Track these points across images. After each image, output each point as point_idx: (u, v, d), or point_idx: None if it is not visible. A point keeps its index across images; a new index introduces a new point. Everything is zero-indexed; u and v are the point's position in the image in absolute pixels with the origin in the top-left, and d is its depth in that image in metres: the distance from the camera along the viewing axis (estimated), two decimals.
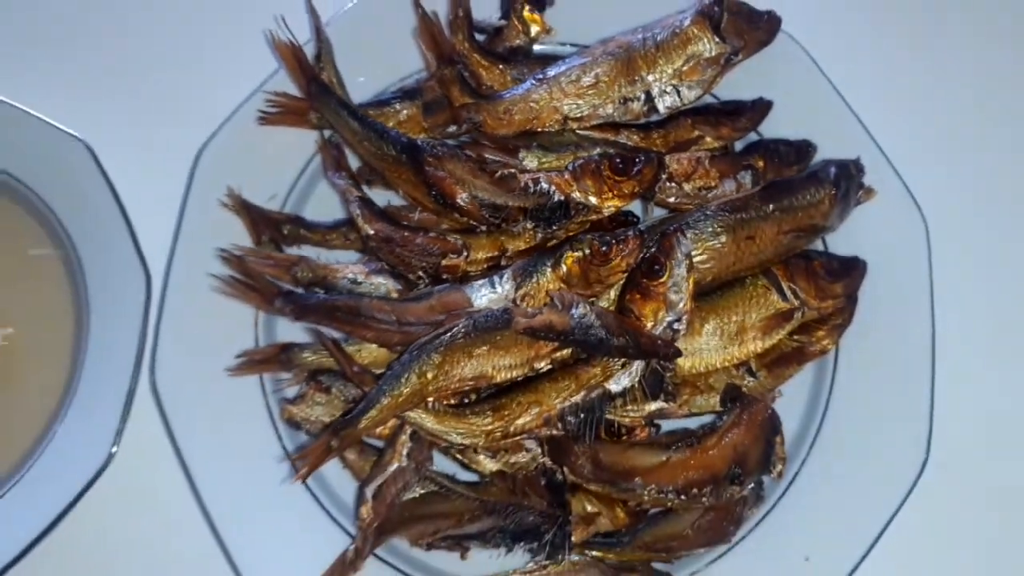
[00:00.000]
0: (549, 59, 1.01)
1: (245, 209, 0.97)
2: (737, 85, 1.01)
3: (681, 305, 0.85)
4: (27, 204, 1.02)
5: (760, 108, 1.00)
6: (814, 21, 1.05)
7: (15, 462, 0.97)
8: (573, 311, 0.81)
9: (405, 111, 1.01)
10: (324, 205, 1.02)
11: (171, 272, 0.96)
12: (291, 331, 0.97)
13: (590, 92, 0.95)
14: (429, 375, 0.83)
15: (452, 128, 1.01)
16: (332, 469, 0.93)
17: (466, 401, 0.88)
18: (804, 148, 1.00)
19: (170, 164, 1.03)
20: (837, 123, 1.01)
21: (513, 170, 0.89)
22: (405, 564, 0.92)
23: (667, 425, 0.93)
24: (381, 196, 1.00)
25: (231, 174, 0.99)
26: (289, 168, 1.01)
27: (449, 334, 0.83)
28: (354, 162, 1.01)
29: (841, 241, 0.99)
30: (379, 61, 1.04)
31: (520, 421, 0.84)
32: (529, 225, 0.90)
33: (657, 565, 0.91)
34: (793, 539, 0.92)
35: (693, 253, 0.87)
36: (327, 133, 1.00)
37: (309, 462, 0.83)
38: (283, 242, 0.99)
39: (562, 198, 0.89)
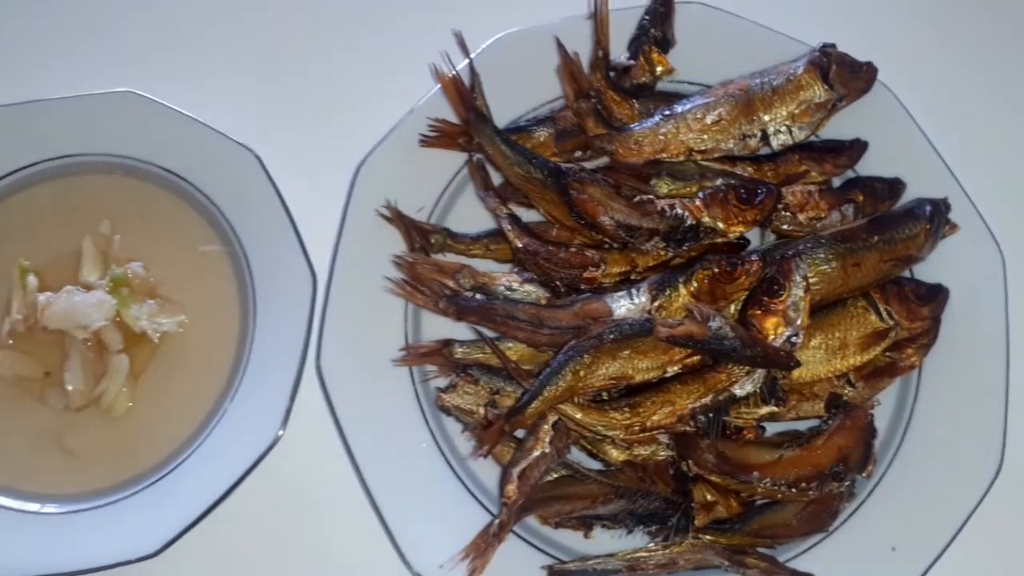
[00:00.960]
0: (670, 96, 1.14)
1: (400, 219, 1.09)
2: (836, 126, 1.13)
3: (799, 321, 0.97)
4: (199, 206, 1.13)
5: (857, 148, 1.12)
6: (905, 71, 1.16)
7: (185, 439, 1.07)
8: (711, 323, 0.93)
9: (538, 136, 1.13)
10: (462, 219, 1.14)
11: (334, 272, 1.07)
12: (436, 329, 1.09)
13: (714, 129, 1.07)
14: (581, 372, 0.94)
15: (578, 153, 1.14)
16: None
17: (603, 398, 1.00)
18: (896, 185, 1.11)
19: (331, 176, 1.14)
20: (923, 163, 1.12)
21: (651, 196, 1.01)
22: (536, 539, 1.04)
23: (772, 427, 1.05)
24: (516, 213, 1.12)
25: (386, 187, 1.11)
26: (436, 183, 1.13)
27: (599, 338, 0.95)
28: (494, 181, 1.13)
29: (926, 270, 1.11)
30: (513, 94, 1.15)
31: (655, 417, 0.96)
32: (660, 245, 1.02)
33: (761, 549, 1.02)
34: (881, 530, 1.03)
35: (808, 276, 0.99)
36: (474, 156, 1.12)
37: (488, 443, 0.95)
38: (431, 250, 1.10)
39: (694, 222, 1.01)
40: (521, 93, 1.15)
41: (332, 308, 1.07)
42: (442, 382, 1.06)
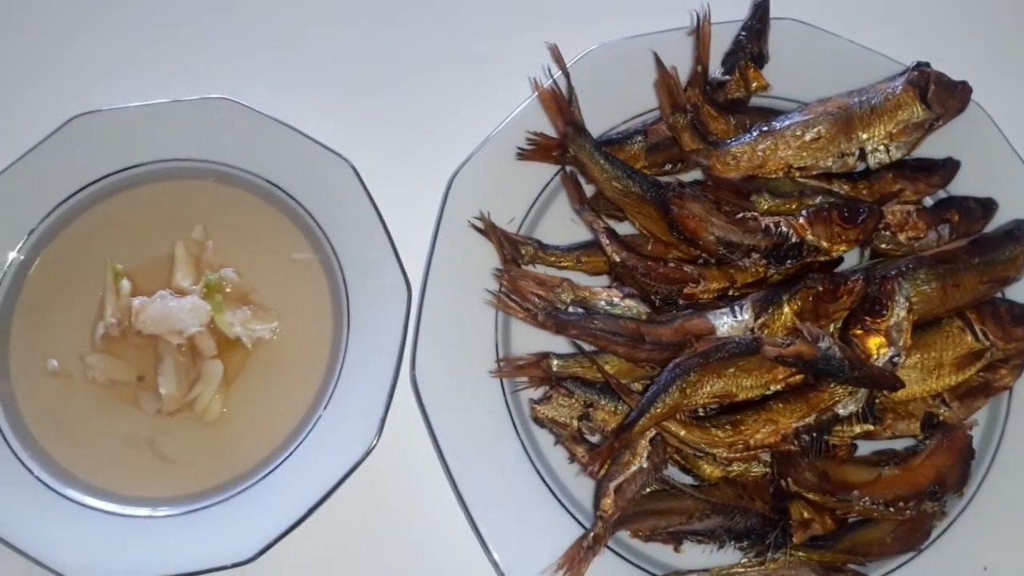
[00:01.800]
0: (763, 111, 1.14)
1: (493, 230, 1.09)
2: (928, 145, 1.13)
3: (901, 342, 0.97)
4: (292, 214, 1.14)
5: (950, 166, 1.12)
6: (996, 89, 1.16)
7: (278, 446, 1.07)
8: (820, 343, 0.93)
9: (629, 149, 1.14)
10: (551, 230, 1.14)
11: (428, 282, 1.08)
12: (525, 340, 1.09)
13: (812, 146, 1.07)
14: (687, 390, 0.95)
15: (668, 166, 1.14)
16: (565, 467, 1.07)
17: (701, 415, 1.00)
18: (989, 205, 1.11)
19: (425, 185, 1.15)
20: (1017, 182, 1.14)
21: (754, 214, 1.02)
22: (626, 552, 1.05)
23: (865, 446, 1.05)
24: None
25: (479, 198, 1.12)
26: (526, 195, 1.14)
27: (704, 356, 0.95)
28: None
29: (1018, 290, 1.11)
30: (605, 105, 1.15)
31: (758, 436, 0.96)
32: (760, 261, 1.03)
33: (852, 566, 1.03)
34: (973, 550, 1.04)
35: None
36: (568, 168, 1.12)
37: (598, 459, 0.95)
38: (521, 261, 1.11)
39: (798, 240, 1.01)
40: (613, 105, 1.16)
41: (426, 318, 1.07)
42: (534, 394, 1.07)
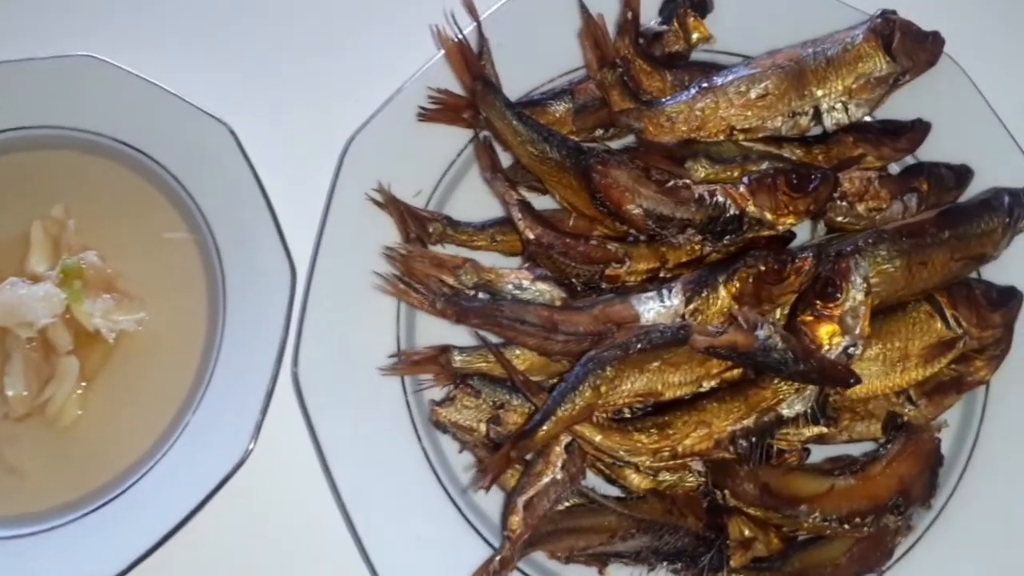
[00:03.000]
0: (707, 67, 1.00)
1: (395, 205, 0.95)
2: (894, 104, 1.00)
3: (858, 330, 0.83)
4: (166, 188, 1.00)
5: (919, 129, 0.99)
6: (973, 42, 1.02)
7: (144, 453, 0.94)
8: (758, 331, 0.79)
9: (554, 111, 1.00)
10: (464, 205, 1.00)
11: (316, 265, 0.95)
12: (432, 332, 0.95)
13: (759, 104, 0.93)
14: (603, 388, 0.81)
15: (600, 131, 1.00)
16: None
17: (624, 416, 0.86)
18: (963, 173, 0.98)
19: (316, 153, 1.01)
20: (995, 147, 1.00)
21: (686, 181, 0.87)
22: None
23: (819, 451, 0.91)
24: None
25: (378, 168, 0.97)
26: (435, 165, 1.00)
27: (623, 348, 0.81)
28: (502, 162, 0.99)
29: (996, 271, 0.97)
30: (528, 62, 1.01)
31: (688, 442, 0.82)
32: (696, 237, 0.89)
33: None
34: (943, 570, 0.90)
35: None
36: (481, 133, 0.98)
37: (492, 471, 0.81)
38: (428, 240, 0.97)
39: (737, 212, 0.87)
40: (536, 62, 1.02)
41: (312, 307, 0.94)
42: (439, 394, 0.93)
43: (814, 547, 0.89)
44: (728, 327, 0.80)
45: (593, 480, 0.92)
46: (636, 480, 0.88)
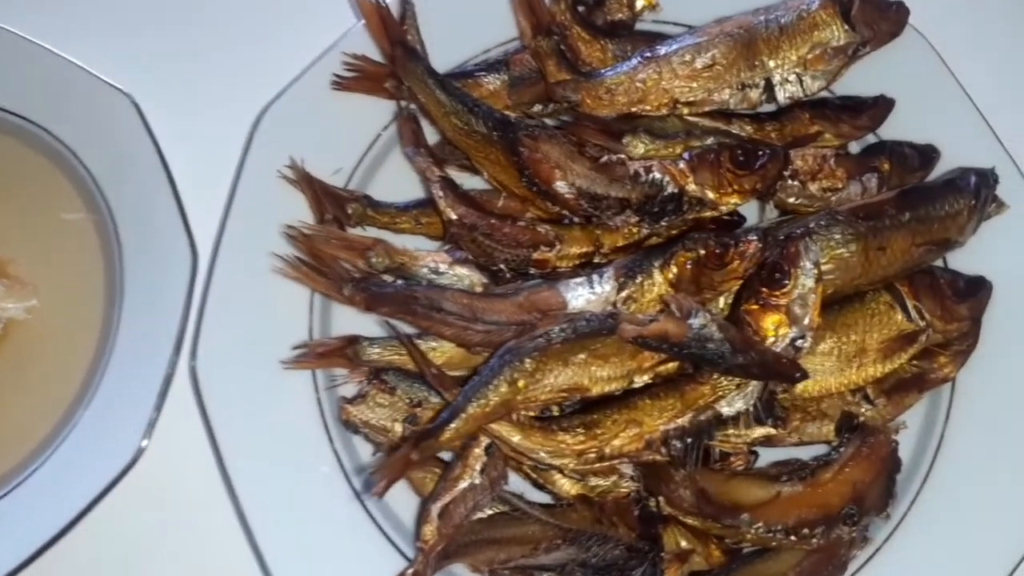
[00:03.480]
0: (652, 38, 0.93)
1: (309, 183, 0.88)
2: (854, 80, 0.93)
3: (806, 320, 0.76)
4: (62, 164, 0.94)
5: (882, 106, 0.92)
6: (940, 14, 0.95)
7: (31, 452, 0.88)
8: (692, 320, 0.71)
9: (488, 84, 0.93)
10: (390, 185, 0.93)
11: (220, 248, 0.87)
12: (349, 322, 0.88)
13: (705, 75, 0.86)
14: (521, 383, 0.73)
15: (538, 107, 0.92)
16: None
17: (548, 414, 0.78)
18: (929, 153, 0.92)
19: (226, 127, 0.94)
20: (964, 126, 0.93)
21: (621, 157, 0.79)
22: None
23: (771, 454, 0.84)
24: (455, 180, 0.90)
25: (293, 143, 0.90)
26: (357, 140, 0.92)
27: (545, 338, 0.73)
28: (429, 138, 0.91)
29: (964, 258, 0.90)
30: (461, 30, 0.95)
31: (616, 442, 0.74)
32: (632, 219, 0.81)
33: None
34: None
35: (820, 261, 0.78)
36: (404, 104, 0.91)
37: (387, 475, 0.73)
38: (347, 222, 0.89)
39: (676, 191, 0.79)
40: (469, 31, 0.96)
41: (214, 295, 0.86)
42: (353, 390, 0.85)
43: (759, 560, 0.81)
44: (659, 315, 0.72)
45: (521, 486, 0.84)
46: (566, 486, 0.80)
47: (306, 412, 0.85)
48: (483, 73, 0.92)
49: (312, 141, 0.91)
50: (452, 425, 0.72)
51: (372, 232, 0.90)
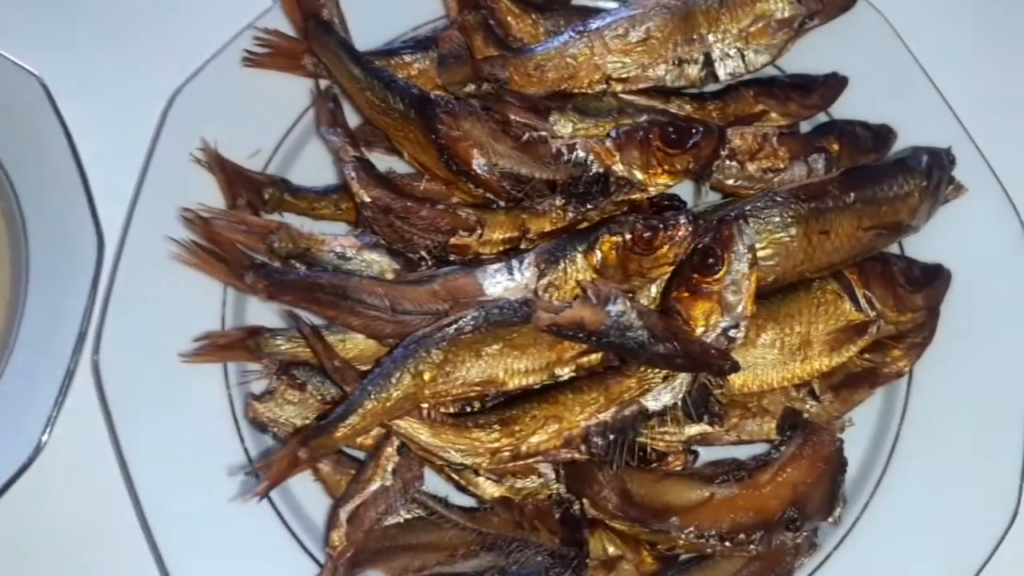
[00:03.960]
0: (589, 13, 0.87)
1: (221, 166, 0.83)
2: (803, 56, 0.89)
3: (740, 308, 0.70)
4: None
5: (833, 85, 0.89)
6: None
7: None
8: (609, 307, 0.66)
9: (417, 64, 0.88)
10: (314, 169, 0.88)
11: (128, 235, 0.84)
12: (265, 313, 0.83)
13: (639, 49, 0.81)
14: (427, 376, 0.68)
15: (471, 87, 0.87)
16: (301, 481, 0.78)
17: (468, 410, 0.73)
18: (884, 134, 0.87)
19: (137, 108, 0.90)
20: (920, 104, 0.89)
21: (543, 134, 0.74)
22: None
23: (707, 453, 0.78)
24: (382, 164, 0.86)
25: (208, 124, 0.86)
26: (276, 122, 0.89)
27: (454, 327, 0.68)
28: (353, 120, 0.86)
29: (920, 245, 0.85)
30: (388, 5, 0.90)
31: (534, 439, 0.69)
32: (558, 202, 0.76)
33: None
34: None
35: (757, 246, 0.72)
36: (324, 83, 0.86)
37: (270, 476, 0.67)
38: (263, 208, 0.85)
39: (601, 171, 0.74)
40: (397, 7, 0.92)
41: (120, 284, 0.82)
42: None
43: (696, 568, 0.76)
44: (574, 302, 0.66)
45: (444, 488, 0.79)
46: (488, 488, 0.75)
47: (216, 409, 0.80)
48: (410, 51, 0.88)
49: (228, 123, 0.86)
50: (347, 421, 0.67)
51: (293, 220, 0.86)
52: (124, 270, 0.82)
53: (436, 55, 0.87)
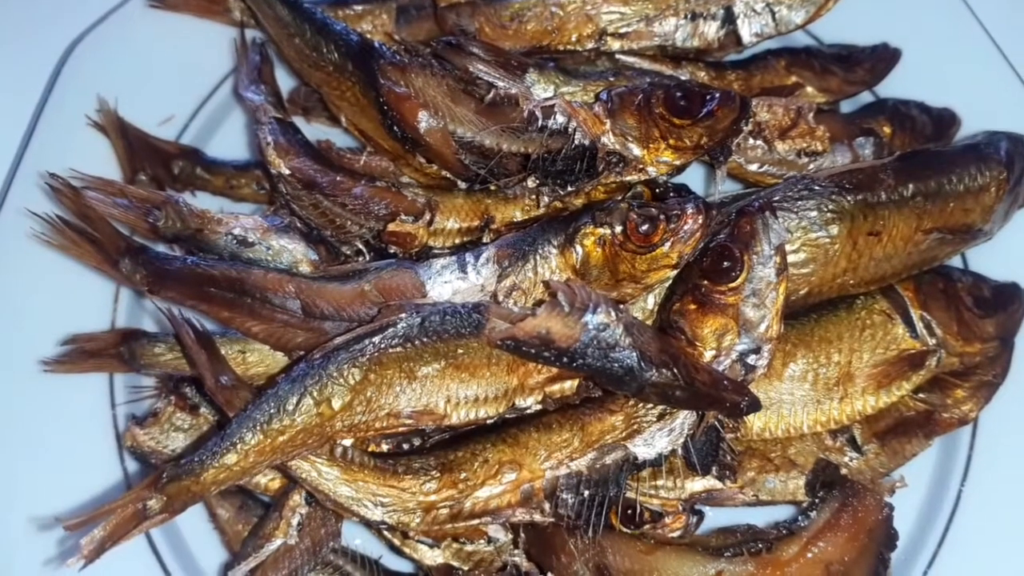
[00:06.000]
0: None
1: (121, 131, 0.69)
2: (849, 25, 0.75)
3: (762, 328, 0.55)
4: None
5: (883, 58, 0.77)
6: None
7: None
8: (587, 317, 0.49)
9: (371, 17, 0.73)
10: (239, 144, 0.74)
11: (3, 208, 0.68)
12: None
13: None
14: (336, 402, 0.51)
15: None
16: (194, 524, 0.62)
17: (404, 448, 0.56)
18: (946, 118, 0.73)
19: (27, 63, 0.76)
20: (993, 83, 0.76)
21: (513, 92, 0.58)
22: None
23: (715, 516, 0.62)
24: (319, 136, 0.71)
25: (112, 84, 0.72)
26: (196, 84, 0.75)
27: (379, 337, 0.51)
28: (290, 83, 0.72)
29: (991, 257, 0.70)
30: None
31: (483, 492, 0.53)
32: (530, 182, 0.59)
33: None
34: None
35: (787, 247, 0.55)
36: (254, 35, 0.71)
37: (105, 533, 0.50)
38: (171, 185, 0.71)
39: (587, 143, 0.57)
40: None
41: None
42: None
43: None
44: (539, 307, 0.50)
45: (377, 549, 0.62)
46: (427, 554, 0.58)
47: (94, 430, 0.65)
48: (362, 3, 0.73)
49: (135, 83, 0.74)
50: (220, 460, 0.50)
51: (207, 201, 0.70)
52: None
53: (394, 5, 0.73)
